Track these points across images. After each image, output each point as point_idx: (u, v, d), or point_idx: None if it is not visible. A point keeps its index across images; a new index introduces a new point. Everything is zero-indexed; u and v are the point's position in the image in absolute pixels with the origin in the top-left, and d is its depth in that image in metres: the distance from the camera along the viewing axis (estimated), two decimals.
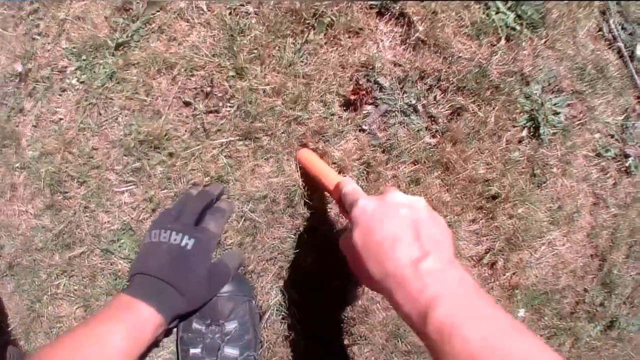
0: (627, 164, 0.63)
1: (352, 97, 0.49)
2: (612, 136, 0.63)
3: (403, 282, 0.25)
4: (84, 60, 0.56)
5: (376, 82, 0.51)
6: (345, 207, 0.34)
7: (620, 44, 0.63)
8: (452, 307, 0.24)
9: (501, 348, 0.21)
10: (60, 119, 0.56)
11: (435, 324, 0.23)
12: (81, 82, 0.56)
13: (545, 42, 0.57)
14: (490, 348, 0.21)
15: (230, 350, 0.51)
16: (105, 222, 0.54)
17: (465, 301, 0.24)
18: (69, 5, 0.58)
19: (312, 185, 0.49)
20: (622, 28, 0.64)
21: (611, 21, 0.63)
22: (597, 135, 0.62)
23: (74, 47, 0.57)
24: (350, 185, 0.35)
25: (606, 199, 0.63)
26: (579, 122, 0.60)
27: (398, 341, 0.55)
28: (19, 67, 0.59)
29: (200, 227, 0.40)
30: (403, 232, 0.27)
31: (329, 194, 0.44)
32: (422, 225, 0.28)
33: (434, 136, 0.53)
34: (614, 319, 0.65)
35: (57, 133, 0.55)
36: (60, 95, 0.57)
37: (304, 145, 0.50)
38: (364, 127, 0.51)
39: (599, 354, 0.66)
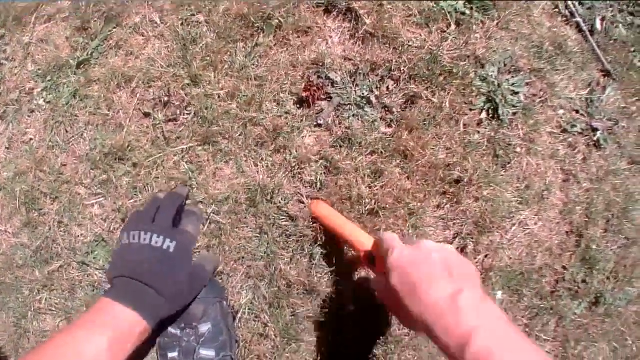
0: (595, 138, 0.62)
1: (304, 94, 0.50)
2: (577, 111, 0.63)
3: (442, 315, 0.28)
4: (49, 80, 0.58)
5: (328, 78, 0.52)
6: (381, 254, 0.37)
7: (579, 19, 0.63)
8: (489, 338, 0.26)
9: None
10: (31, 139, 0.59)
11: (474, 353, 0.25)
12: (47, 102, 0.58)
13: (497, 23, 0.57)
14: None
15: (206, 352, 0.52)
16: (79, 235, 0.56)
17: (500, 333, 0.27)
18: (33, 30, 0.60)
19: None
20: (580, 3, 0.64)
21: None
22: (561, 112, 0.62)
23: (39, 69, 0.59)
24: (387, 235, 0.38)
25: (577, 175, 0.62)
26: (540, 100, 0.60)
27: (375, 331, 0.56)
28: None
29: (180, 230, 0.40)
30: (438, 271, 0.31)
31: (350, 247, 0.46)
32: (454, 265, 0.31)
33: (389, 126, 0.54)
34: (599, 295, 0.64)
35: (29, 153, 0.58)
36: (29, 116, 0.59)
37: (316, 199, 0.50)
38: (319, 122, 0.52)
39: (587, 332, 0.65)
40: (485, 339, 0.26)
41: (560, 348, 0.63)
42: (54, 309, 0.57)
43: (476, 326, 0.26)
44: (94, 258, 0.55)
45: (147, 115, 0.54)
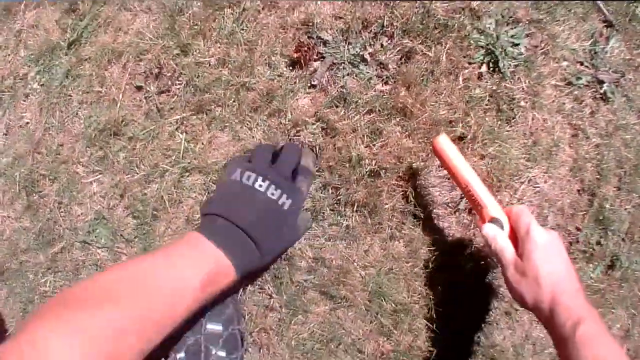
0: (602, 91, 0.60)
1: (296, 55, 0.49)
2: (582, 63, 0.60)
3: (570, 297, 0.37)
4: (41, 64, 0.58)
5: (319, 38, 0.50)
6: (519, 231, 0.41)
7: None
8: (594, 326, 0.35)
9: None
10: (27, 122, 0.59)
11: (583, 333, 0.34)
12: (41, 85, 0.58)
13: None
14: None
15: (213, 326, 0.51)
16: (79, 215, 0.55)
17: (601, 325, 0.36)
18: (23, 17, 0.61)
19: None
20: None
21: None
22: (564, 64, 0.60)
23: (31, 54, 0.59)
24: (524, 208, 0.42)
25: (585, 130, 0.60)
26: (542, 51, 0.57)
27: (382, 300, 0.54)
28: None
29: (296, 187, 0.36)
30: (569, 268, 0.39)
31: (473, 205, 0.44)
32: (568, 260, 0.40)
33: (386, 83, 0.52)
34: (615, 258, 0.61)
35: (26, 136, 0.58)
36: (24, 100, 0.59)
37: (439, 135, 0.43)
38: (313, 82, 0.50)
39: (604, 297, 0.62)
40: (591, 326, 0.35)
41: None
42: (58, 291, 0.57)
43: (589, 314, 0.35)
44: (96, 236, 0.55)
45: (139, 88, 0.53)
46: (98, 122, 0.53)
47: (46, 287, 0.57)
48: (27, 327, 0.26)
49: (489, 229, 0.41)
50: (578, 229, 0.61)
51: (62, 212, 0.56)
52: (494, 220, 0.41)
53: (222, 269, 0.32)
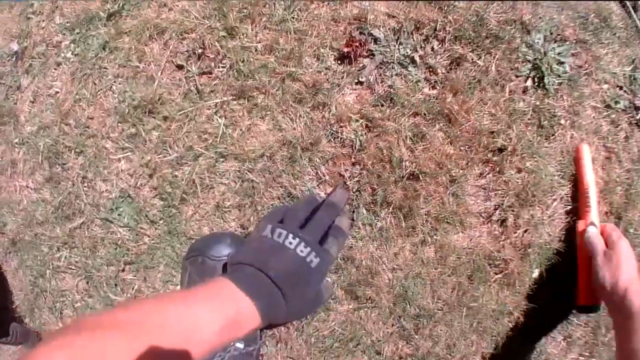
0: (638, 117, 0.60)
1: (346, 50, 0.48)
2: (621, 87, 0.61)
3: (637, 290, 0.49)
4: (77, 33, 0.56)
5: (370, 34, 0.49)
6: (611, 237, 0.55)
7: None
8: None
9: None
10: (57, 92, 0.57)
11: None
12: (75, 55, 0.56)
13: None
14: None
15: None
16: (103, 191, 0.54)
17: None
18: None
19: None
20: None
21: None
22: (605, 86, 0.60)
23: (67, 22, 0.57)
24: (618, 231, 0.56)
25: (619, 153, 0.60)
26: (585, 72, 0.57)
27: (406, 304, 0.53)
28: (14, 47, 0.60)
29: (325, 249, 0.38)
30: (637, 273, 0.52)
31: (580, 204, 0.57)
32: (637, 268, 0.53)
33: (433, 87, 0.51)
34: None
35: (54, 106, 0.56)
36: (55, 69, 0.57)
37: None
38: (360, 79, 0.49)
39: None
40: None
41: (591, 334, 0.61)
42: (73, 267, 0.55)
43: None
44: (119, 215, 0.53)
45: (180, 67, 0.52)
46: (133, 97, 0.52)
47: (60, 262, 0.55)
48: (40, 351, 0.26)
49: (592, 229, 0.56)
50: None
51: (85, 186, 0.54)
52: (592, 224, 0.56)
53: (247, 314, 0.33)
